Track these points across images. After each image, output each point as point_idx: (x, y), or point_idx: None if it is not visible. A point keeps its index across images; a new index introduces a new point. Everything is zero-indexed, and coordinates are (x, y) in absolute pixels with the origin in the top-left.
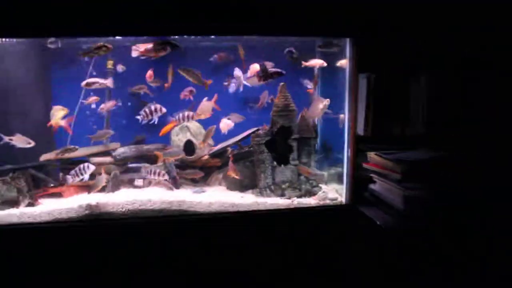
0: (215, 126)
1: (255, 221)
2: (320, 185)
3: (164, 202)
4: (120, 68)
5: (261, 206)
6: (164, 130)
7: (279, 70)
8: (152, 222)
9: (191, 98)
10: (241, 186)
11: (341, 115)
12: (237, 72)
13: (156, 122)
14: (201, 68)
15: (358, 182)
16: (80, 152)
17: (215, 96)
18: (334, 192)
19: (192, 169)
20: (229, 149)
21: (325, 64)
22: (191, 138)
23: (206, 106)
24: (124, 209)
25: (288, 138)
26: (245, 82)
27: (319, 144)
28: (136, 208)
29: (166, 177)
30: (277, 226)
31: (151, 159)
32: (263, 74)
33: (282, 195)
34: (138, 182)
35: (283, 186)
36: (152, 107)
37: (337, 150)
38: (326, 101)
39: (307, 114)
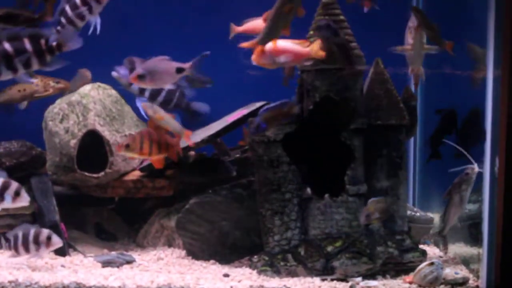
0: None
1: None
2: (423, 246)
3: None
4: None
5: None
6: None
7: None
8: None
9: None
10: (223, 249)
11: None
12: None
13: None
14: None
15: None
16: None
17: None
18: (458, 265)
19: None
20: (193, 156)
21: None
22: (97, 128)
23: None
24: None
25: (342, 129)
26: None
27: (418, 143)
28: None
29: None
30: None
31: None
32: None
33: (326, 270)
34: None
35: (329, 248)
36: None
37: (465, 159)
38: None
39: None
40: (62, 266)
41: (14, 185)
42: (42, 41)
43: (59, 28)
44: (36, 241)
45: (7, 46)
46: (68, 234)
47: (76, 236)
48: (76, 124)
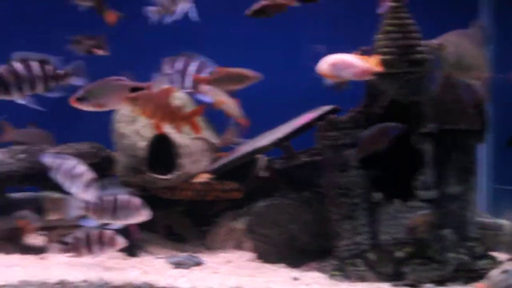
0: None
1: None
2: (495, 253)
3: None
4: None
5: None
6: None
7: None
8: None
9: None
10: (292, 252)
11: None
12: None
13: None
14: None
15: None
16: None
17: None
18: None
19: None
20: (262, 159)
21: None
22: (166, 130)
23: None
24: None
25: (412, 133)
26: None
27: (492, 147)
28: None
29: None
30: None
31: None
32: None
33: (396, 275)
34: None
35: (399, 253)
36: None
37: None
38: None
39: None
40: (133, 267)
41: (137, 201)
42: (50, 68)
43: (155, 8)
44: (100, 242)
45: (18, 67)
46: (138, 235)
47: (146, 237)
48: (145, 126)
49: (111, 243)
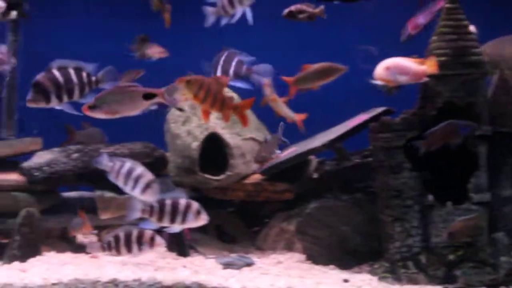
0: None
1: None
2: None
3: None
4: None
5: None
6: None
7: None
8: None
9: None
10: (343, 254)
11: None
12: None
13: None
14: None
15: None
16: None
17: None
18: None
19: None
20: (313, 160)
21: None
22: (218, 131)
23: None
24: None
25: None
26: None
27: None
28: None
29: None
30: None
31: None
32: None
33: (448, 278)
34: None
35: (451, 256)
36: None
37: None
38: None
39: None
40: (184, 266)
41: (195, 205)
42: (84, 74)
43: (213, 8)
44: (139, 241)
45: (57, 74)
46: (189, 235)
47: (197, 237)
48: (198, 126)
49: (150, 243)
